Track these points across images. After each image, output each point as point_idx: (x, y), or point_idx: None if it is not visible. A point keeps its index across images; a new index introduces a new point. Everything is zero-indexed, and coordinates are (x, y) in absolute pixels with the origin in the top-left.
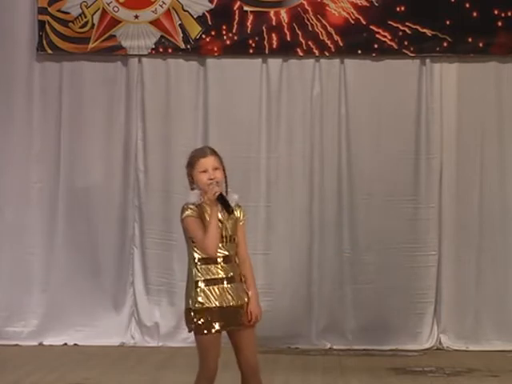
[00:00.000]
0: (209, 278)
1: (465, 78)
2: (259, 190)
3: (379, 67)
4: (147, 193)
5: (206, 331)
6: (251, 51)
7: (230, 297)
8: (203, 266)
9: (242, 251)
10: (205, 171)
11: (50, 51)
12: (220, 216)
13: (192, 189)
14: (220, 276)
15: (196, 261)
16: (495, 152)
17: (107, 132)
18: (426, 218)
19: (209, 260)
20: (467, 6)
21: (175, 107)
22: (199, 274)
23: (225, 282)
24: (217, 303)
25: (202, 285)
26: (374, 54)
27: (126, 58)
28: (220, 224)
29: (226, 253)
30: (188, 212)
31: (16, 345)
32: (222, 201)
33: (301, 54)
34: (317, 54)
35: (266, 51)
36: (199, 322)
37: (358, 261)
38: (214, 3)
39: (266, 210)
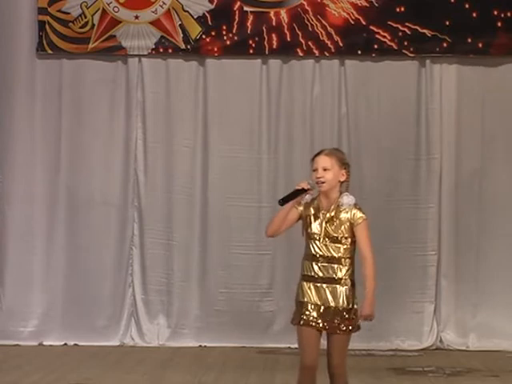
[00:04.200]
0: (308, 274)
1: (464, 78)
2: (260, 189)
3: (379, 67)
4: (147, 193)
5: (301, 322)
6: (251, 51)
7: (324, 297)
8: (306, 262)
9: (361, 252)
10: (315, 170)
11: (50, 51)
12: (321, 216)
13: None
14: (316, 275)
15: (303, 256)
16: (495, 152)
17: (107, 132)
18: (426, 218)
19: (310, 257)
20: (467, 6)
21: (175, 107)
22: (303, 269)
23: (321, 282)
24: (312, 299)
25: (302, 279)
26: (373, 55)
27: (126, 58)
28: (319, 225)
29: (326, 253)
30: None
31: (16, 345)
32: (293, 194)
33: (301, 54)
34: (317, 54)
35: (266, 51)
36: (296, 314)
37: (357, 260)
38: (214, 3)
39: (266, 210)
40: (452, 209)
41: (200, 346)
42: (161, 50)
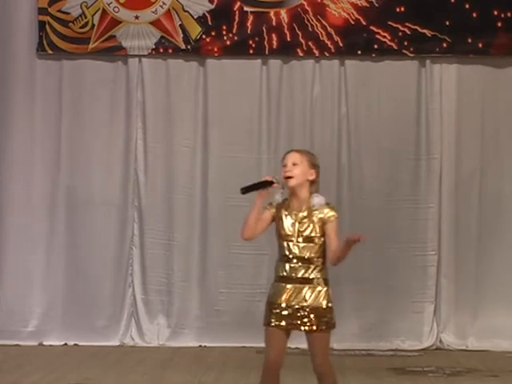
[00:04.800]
0: (281, 275)
1: (464, 78)
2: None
3: (379, 67)
4: (147, 193)
5: (266, 323)
6: (251, 51)
7: (299, 297)
8: (279, 263)
9: (330, 247)
10: (284, 166)
11: (50, 51)
12: (293, 216)
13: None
14: (290, 275)
15: (277, 257)
16: (494, 152)
17: (107, 132)
18: (426, 218)
19: (284, 258)
20: (467, 6)
21: (175, 107)
22: (277, 270)
23: (295, 282)
24: (280, 300)
25: (276, 280)
26: (373, 55)
27: (126, 59)
28: (291, 226)
29: (299, 253)
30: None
31: (16, 345)
32: (257, 185)
33: (301, 54)
34: (317, 54)
35: (266, 52)
36: (266, 315)
37: (357, 261)
38: (214, 4)
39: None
40: (452, 209)
41: (200, 346)
42: (161, 50)
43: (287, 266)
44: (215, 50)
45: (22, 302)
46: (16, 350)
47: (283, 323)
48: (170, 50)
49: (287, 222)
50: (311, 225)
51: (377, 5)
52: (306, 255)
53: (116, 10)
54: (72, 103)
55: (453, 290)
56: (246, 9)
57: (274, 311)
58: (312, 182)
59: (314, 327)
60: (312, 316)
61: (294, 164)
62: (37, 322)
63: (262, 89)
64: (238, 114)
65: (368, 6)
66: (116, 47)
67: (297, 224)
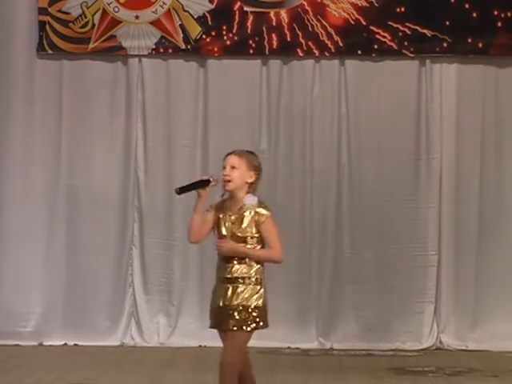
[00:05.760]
0: (220, 275)
1: (464, 78)
2: (259, 189)
3: (379, 67)
4: (147, 193)
5: (210, 327)
6: (251, 51)
7: (223, 297)
8: (218, 263)
9: (271, 248)
10: (224, 167)
11: (50, 51)
12: (227, 216)
13: None
14: (226, 275)
15: (218, 257)
16: (494, 152)
17: (107, 132)
18: (426, 218)
19: (221, 258)
20: (467, 6)
21: (175, 107)
22: (216, 271)
23: (230, 282)
24: (219, 303)
25: (216, 281)
26: (373, 55)
27: (127, 58)
28: (226, 226)
29: (233, 253)
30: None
31: (16, 345)
32: (194, 185)
33: (301, 54)
34: (317, 54)
35: (266, 52)
36: (209, 317)
37: (357, 261)
38: (215, 3)
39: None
40: (452, 209)
41: (200, 345)
42: (161, 50)
43: (224, 267)
44: (215, 49)
45: (21, 302)
46: (16, 350)
47: (223, 325)
48: (170, 50)
49: (223, 222)
50: (242, 225)
51: (377, 5)
52: (240, 255)
53: (116, 9)
54: (72, 103)
55: (453, 291)
56: (246, 9)
57: (215, 314)
58: (251, 184)
59: (235, 327)
60: (237, 314)
61: (233, 167)
62: (37, 322)
63: (262, 89)
64: (238, 113)
65: (368, 5)
66: (116, 47)
67: (230, 225)
